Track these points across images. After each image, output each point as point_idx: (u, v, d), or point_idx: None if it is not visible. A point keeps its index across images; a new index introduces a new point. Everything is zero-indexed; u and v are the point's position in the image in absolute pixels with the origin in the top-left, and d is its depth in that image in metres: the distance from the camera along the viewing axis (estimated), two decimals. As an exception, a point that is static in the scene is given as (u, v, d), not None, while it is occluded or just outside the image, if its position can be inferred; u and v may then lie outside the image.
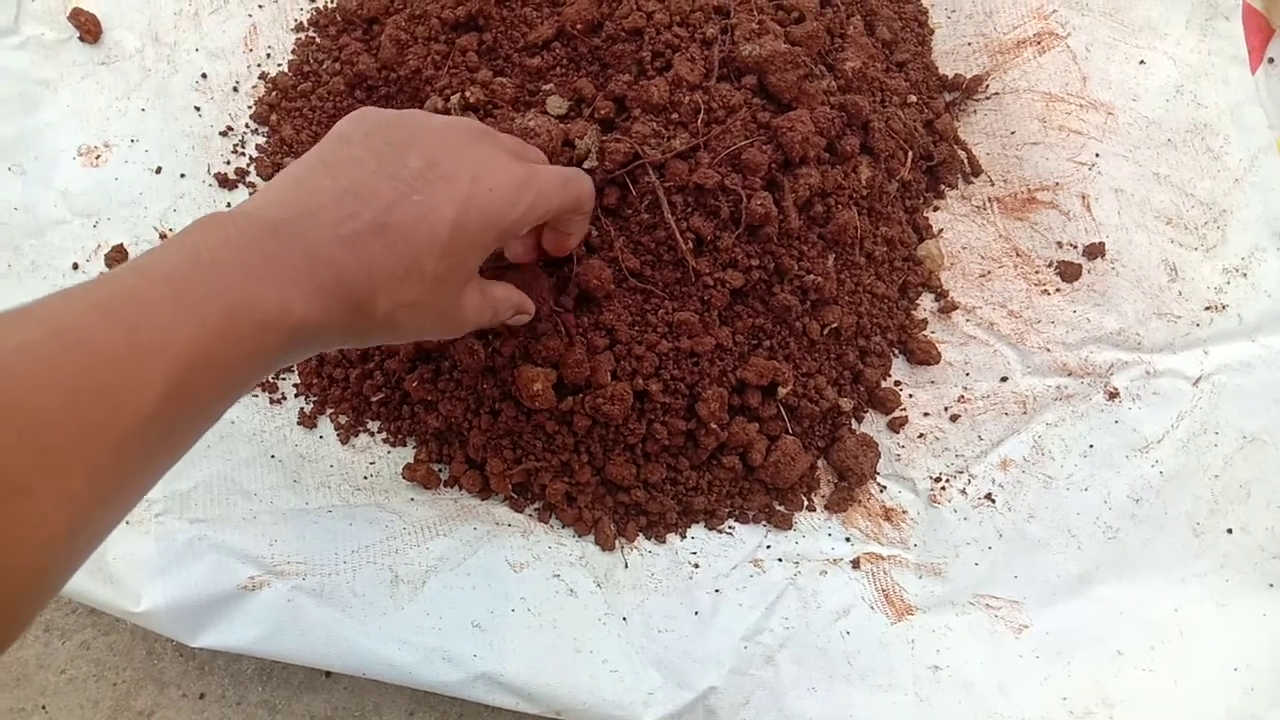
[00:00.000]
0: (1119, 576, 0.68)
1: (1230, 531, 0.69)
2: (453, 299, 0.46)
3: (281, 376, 0.72)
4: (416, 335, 0.48)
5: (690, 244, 0.66)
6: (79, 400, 0.30)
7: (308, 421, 0.71)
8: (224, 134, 0.77)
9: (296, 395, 0.72)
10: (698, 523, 0.71)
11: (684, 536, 0.70)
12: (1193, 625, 0.67)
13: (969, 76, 0.80)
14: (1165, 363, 0.72)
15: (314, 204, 0.41)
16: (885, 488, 0.72)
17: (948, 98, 0.81)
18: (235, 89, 0.78)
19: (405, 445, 0.71)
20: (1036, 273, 0.75)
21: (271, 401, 0.71)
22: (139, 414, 0.32)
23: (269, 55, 0.78)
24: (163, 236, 0.74)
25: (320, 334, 0.40)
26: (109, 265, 0.72)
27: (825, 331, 0.71)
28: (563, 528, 0.70)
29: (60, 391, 0.30)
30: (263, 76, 0.78)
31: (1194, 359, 0.72)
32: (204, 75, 0.77)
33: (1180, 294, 0.73)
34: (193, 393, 0.34)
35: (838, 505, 0.71)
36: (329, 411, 0.71)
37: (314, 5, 0.79)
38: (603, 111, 0.69)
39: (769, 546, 0.70)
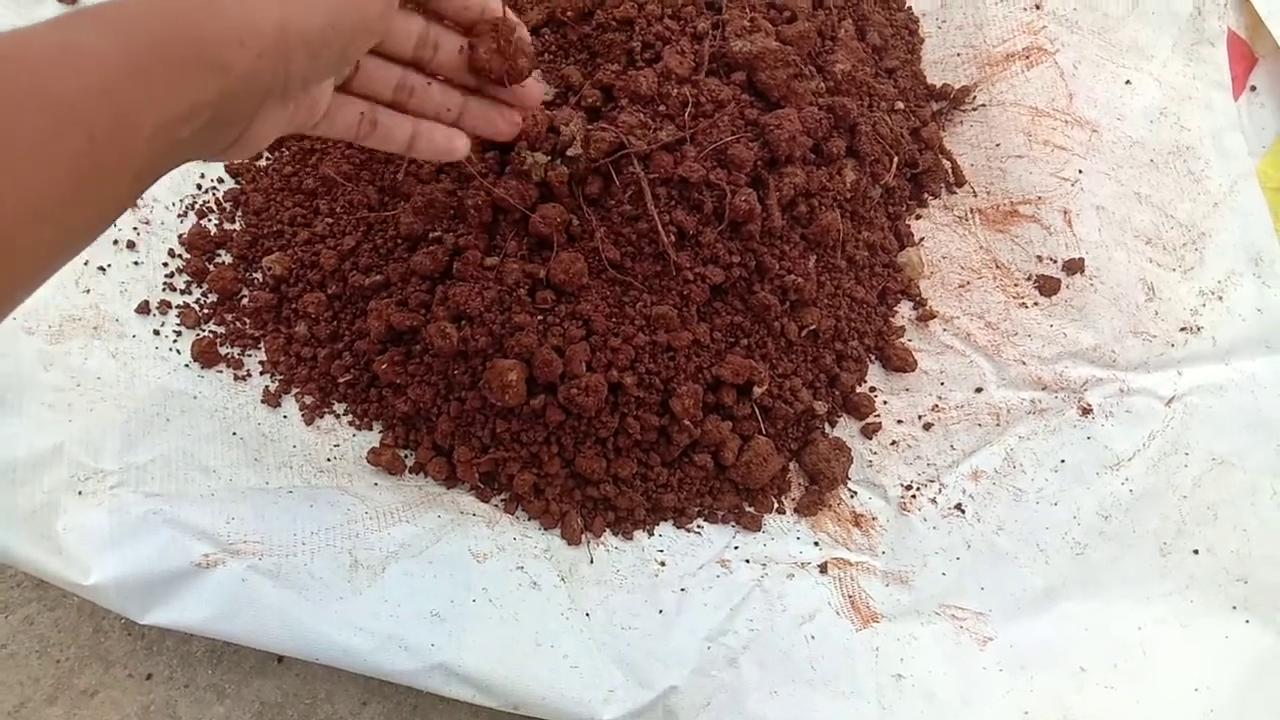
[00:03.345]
0: (1085, 593, 0.67)
1: (1196, 552, 0.69)
2: None
3: (248, 353, 0.71)
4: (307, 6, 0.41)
5: (672, 237, 0.65)
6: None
7: (272, 400, 0.69)
8: None
9: (262, 373, 0.70)
10: (666, 520, 0.70)
11: (651, 534, 0.69)
12: (1156, 644, 0.66)
13: (957, 87, 0.80)
14: (1139, 381, 0.72)
15: None
16: (856, 493, 0.71)
17: (935, 106, 0.81)
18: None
19: (371, 429, 0.70)
20: (1015, 285, 0.75)
21: (236, 378, 0.69)
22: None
23: None
24: (132, 205, 0.72)
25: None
26: None
27: (803, 333, 0.70)
28: (529, 520, 0.68)
29: None
30: None
31: (1168, 379, 0.72)
32: None
33: (1157, 314, 0.73)
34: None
35: (808, 509, 0.71)
36: (294, 391, 0.70)
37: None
38: (589, 100, 0.68)
39: (737, 547, 0.69)
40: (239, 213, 0.73)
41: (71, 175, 0.33)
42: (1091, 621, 0.67)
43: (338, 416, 0.70)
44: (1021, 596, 0.68)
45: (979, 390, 0.73)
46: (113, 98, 0.34)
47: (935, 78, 0.82)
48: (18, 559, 0.59)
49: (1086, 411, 0.72)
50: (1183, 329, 0.73)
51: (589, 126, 0.66)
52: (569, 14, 0.72)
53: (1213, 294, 0.74)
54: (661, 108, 0.67)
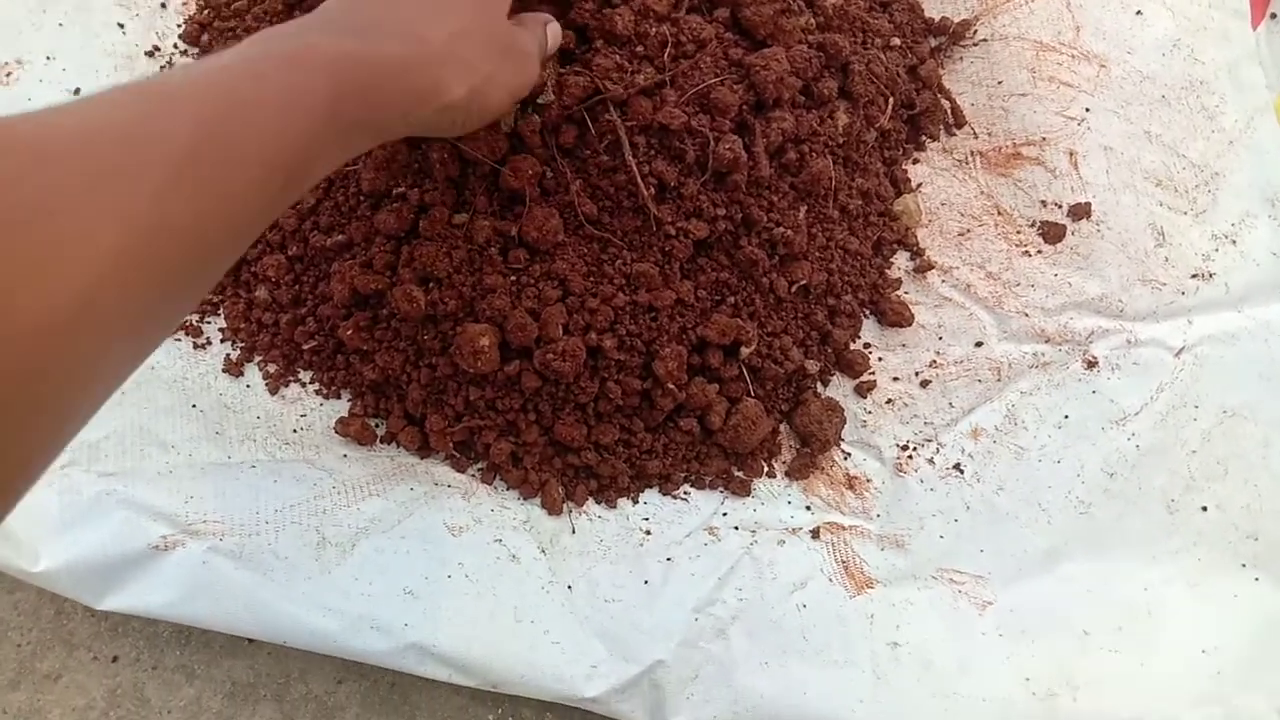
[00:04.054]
0: (1088, 553, 0.65)
1: (1205, 509, 0.66)
2: (499, 19, 0.48)
3: (207, 320, 0.67)
4: (487, 77, 0.47)
5: (652, 190, 0.61)
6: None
7: (234, 369, 0.65)
8: (150, 54, 0.71)
9: (223, 341, 0.67)
10: (651, 487, 0.67)
11: (636, 502, 0.66)
12: (1162, 605, 0.64)
13: (956, 20, 0.75)
14: (1147, 332, 0.68)
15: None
16: (850, 455, 0.68)
17: (933, 42, 0.76)
18: (163, 5, 0.72)
19: (339, 398, 0.66)
20: (1018, 233, 0.71)
21: (195, 347, 0.66)
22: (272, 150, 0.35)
23: (198, -32, 0.72)
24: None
25: (384, 83, 0.41)
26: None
27: (793, 289, 0.66)
28: (507, 490, 0.65)
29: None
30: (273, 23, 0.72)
31: (1177, 329, 0.69)
32: (126, -13, 0.71)
33: (1167, 260, 0.70)
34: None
35: (799, 472, 0.67)
36: (257, 359, 0.66)
37: (250, -86, 0.73)
38: (562, 42, 0.63)
39: (725, 514, 0.66)
40: (192, 170, 0.69)
41: (265, 210, 0.36)
42: (1095, 583, 0.65)
43: (303, 385, 0.66)
44: (1022, 558, 0.65)
45: (979, 344, 0.70)
46: (312, 144, 0.37)
47: (933, 10, 0.77)
48: (-35, 545, 0.56)
49: (1092, 364, 0.68)
50: (1194, 275, 0.70)
51: (561, 70, 0.61)
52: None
53: (1226, 238, 0.70)
54: (639, 48, 0.62)
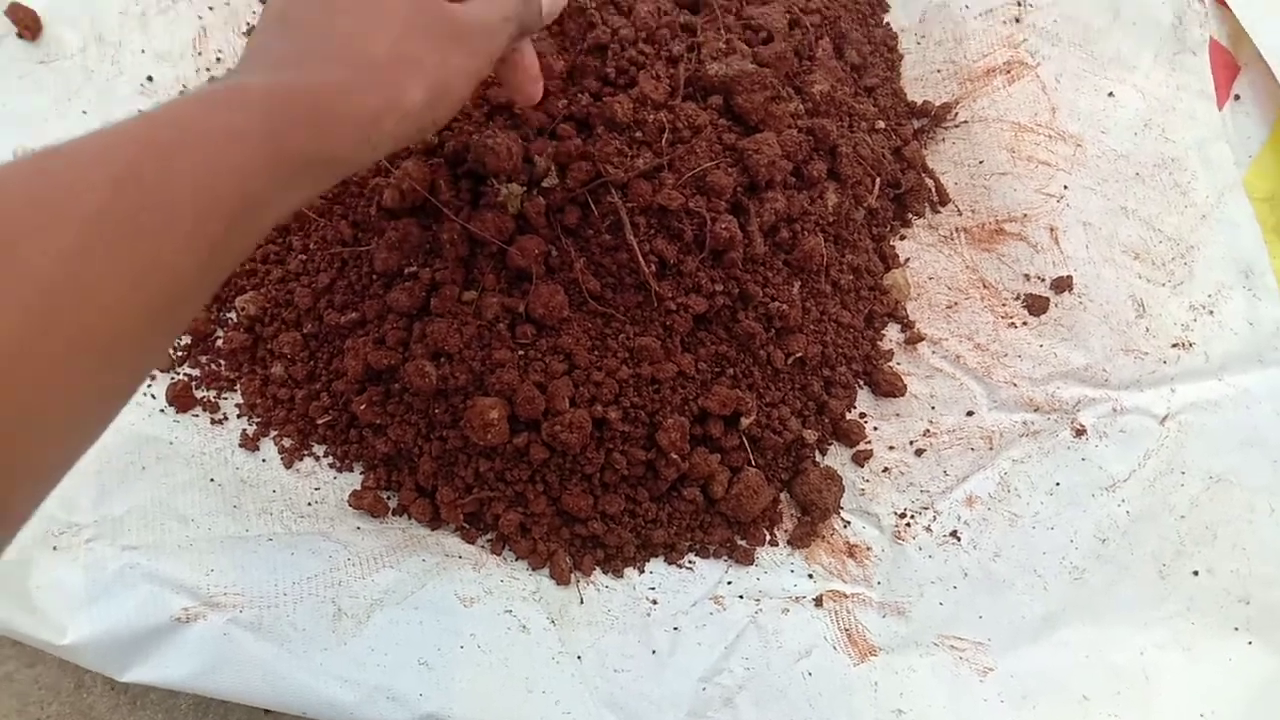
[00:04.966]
0: (1084, 619, 0.66)
1: (1196, 574, 0.68)
2: (439, 3, 0.44)
3: (224, 396, 0.69)
4: (441, 69, 0.44)
5: (653, 267, 0.64)
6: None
7: (250, 444, 0.67)
8: (171, 141, 0.74)
9: (239, 416, 0.69)
10: (657, 557, 0.68)
11: (642, 571, 0.68)
12: (1158, 670, 0.65)
13: (938, 104, 0.79)
14: (1132, 400, 0.71)
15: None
16: (849, 523, 0.70)
17: (916, 124, 0.80)
18: (183, 90, 0.75)
19: (352, 471, 0.68)
20: (1004, 305, 0.74)
21: (213, 422, 0.68)
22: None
23: (219, 59, 0.75)
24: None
25: (330, 111, 0.39)
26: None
27: (790, 360, 0.69)
28: (516, 560, 0.67)
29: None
30: (211, 81, 0.75)
31: (1161, 397, 0.71)
32: (150, 78, 0.74)
33: (1148, 330, 0.72)
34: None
35: (801, 540, 0.69)
36: (273, 434, 0.68)
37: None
38: (563, 135, 0.66)
39: (730, 583, 0.68)
40: (212, 253, 0.72)
41: (210, 260, 0.34)
42: (1092, 648, 0.66)
43: (318, 459, 0.68)
44: (1020, 624, 0.66)
45: (970, 413, 0.72)
46: (253, 186, 0.35)
47: (916, 95, 0.81)
48: (-10, 620, 0.57)
49: (1080, 432, 0.71)
50: (1174, 345, 0.72)
51: (562, 150, 0.64)
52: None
53: (1204, 308, 0.73)
54: (638, 134, 0.65)
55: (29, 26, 0.73)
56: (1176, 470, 0.70)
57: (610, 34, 0.68)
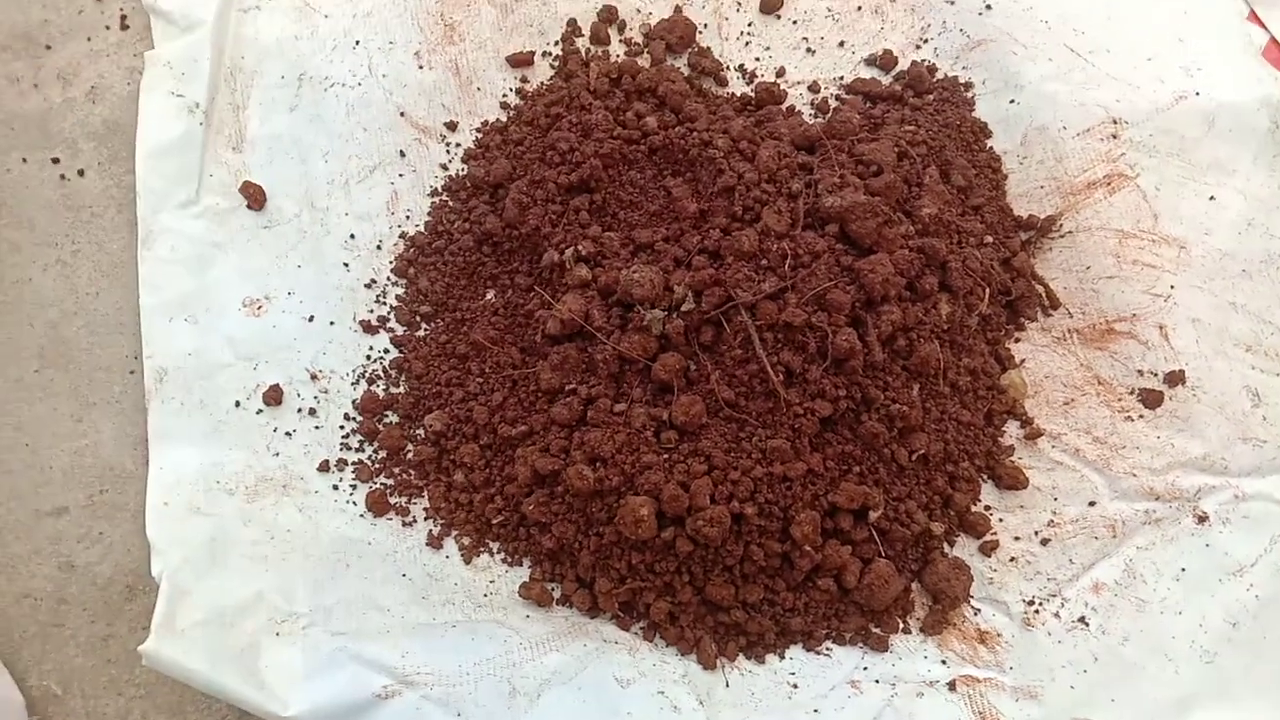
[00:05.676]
0: (1219, 702, 0.68)
1: (1335, 657, 0.68)
2: None
3: (413, 501, 0.80)
4: None
5: (781, 376, 0.72)
6: None
7: (435, 542, 0.77)
8: (368, 286, 0.87)
9: (426, 518, 0.79)
10: (796, 643, 0.74)
11: (783, 657, 0.73)
12: (1301, 753, 0.66)
13: (1043, 217, 0.85)
14: (1253, 486, 0.73)
15: None
16: (979, 610, 0.74)
17: (1023, 236, 0.86)
18: (379, 247, 0.89)
19: (521, 564, 0.77)
20: (1119, 400, 0.78)
21: (404, 524, 0.78)
22: None
23: (408, 217, 0.89)
24: (314, 377, 0.83)
25: None
26: (266, 404, 0.81)
27: (913, 457, 0.74)
28: (666, 646, 0.74)
29: None
30: (402, 236, 0.89)
31: (1283, 483, 0.73)
32: (352, 235, 0.88)
33: (1264, 419, 0.75)
34: None
35: (933, 627, 0.73)
36: (454, 533, 0.78)
37: (447, 173, 0.91)
38: (698, 266, 0.76)
39: (866, 668, 0.72)
40: (402, 378, 0.84)
41: None
42: (1232, 732, 0.67)
43: (492, 554, 0.78)
44: (1154, 708, 0.68)
45: (1092, 504, 0.75)
46: None
47: (1021, 209, 0.87)
48: (229, 693, 0.68)
49: (1203, 519, 0.73)
50: (1294, 432, 0.75)
51: (697, 278, 0.74)
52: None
53: (1321, 395, 0.75)
54: (764, 262, 0.75)
55: (256, 199, 0.89)
56: (1305, 554, 0.71)
57: (737, 178, 0.79)
